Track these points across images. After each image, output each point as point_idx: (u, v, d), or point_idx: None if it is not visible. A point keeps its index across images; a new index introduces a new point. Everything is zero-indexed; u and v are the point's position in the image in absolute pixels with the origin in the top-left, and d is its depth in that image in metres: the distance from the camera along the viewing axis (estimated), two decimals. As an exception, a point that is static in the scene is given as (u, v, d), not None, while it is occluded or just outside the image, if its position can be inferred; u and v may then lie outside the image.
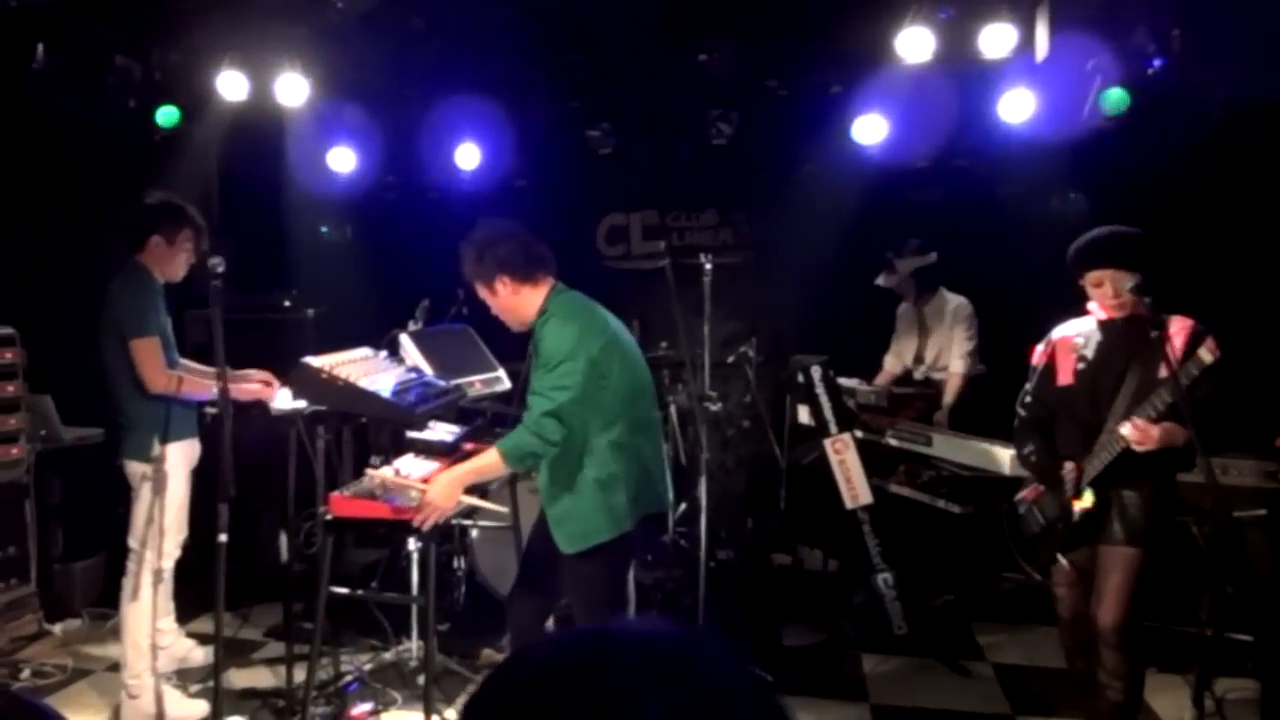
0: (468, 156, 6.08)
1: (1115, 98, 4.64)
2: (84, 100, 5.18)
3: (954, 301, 5.25)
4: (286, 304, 5.67)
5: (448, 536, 4.74)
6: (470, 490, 3.30)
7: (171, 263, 3.97)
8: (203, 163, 5.75)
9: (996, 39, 4.52)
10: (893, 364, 5.52)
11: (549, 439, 3.03)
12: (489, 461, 3.16)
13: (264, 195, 6.18)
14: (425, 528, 3.17)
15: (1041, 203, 5.45)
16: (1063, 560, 3.34)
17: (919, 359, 5.38)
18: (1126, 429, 3.07)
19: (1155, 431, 3.05)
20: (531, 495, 4.30)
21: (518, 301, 3.21)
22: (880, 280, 5.34)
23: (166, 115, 5.43)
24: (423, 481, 3.27)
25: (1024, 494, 3.50)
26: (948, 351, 5.24)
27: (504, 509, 3.39)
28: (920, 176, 5.82)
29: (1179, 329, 3.09)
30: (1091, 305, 3.29)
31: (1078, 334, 3.34)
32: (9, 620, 4.62)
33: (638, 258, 6.55)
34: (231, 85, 5.19)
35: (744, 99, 5.63)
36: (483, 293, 3.28)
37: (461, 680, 4.21)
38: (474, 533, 4.77)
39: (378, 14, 4.85)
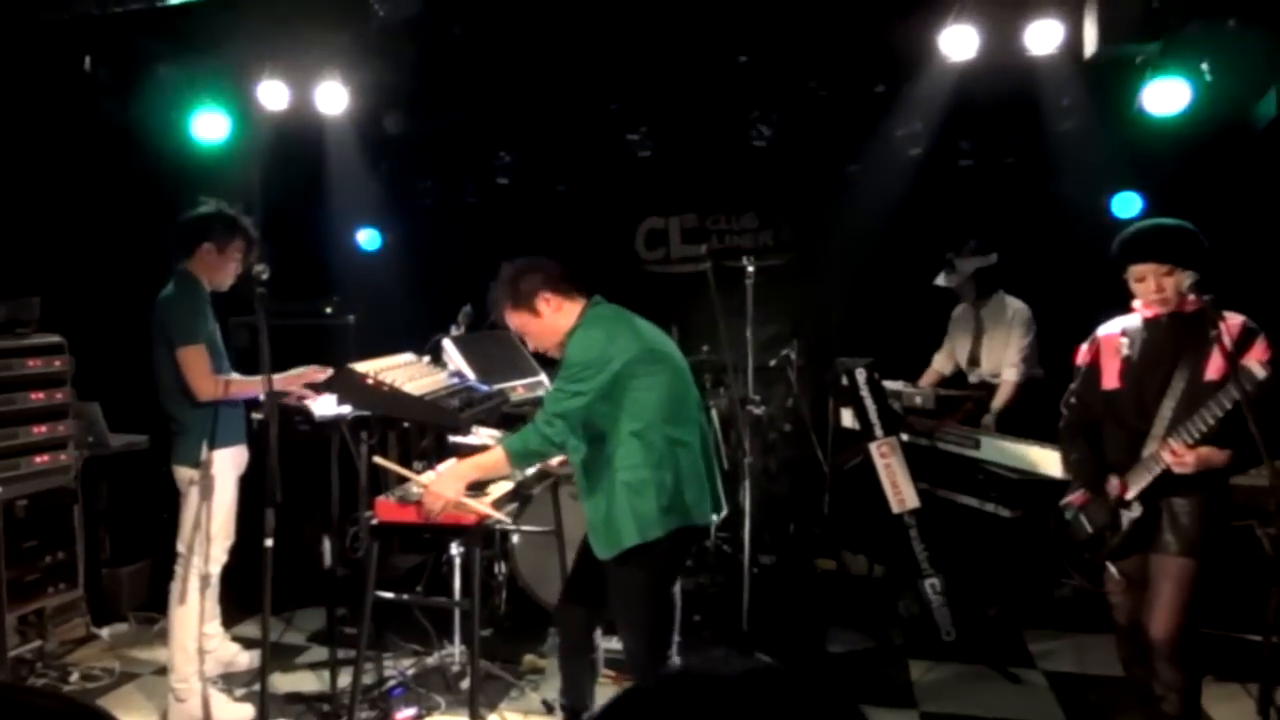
0: (505, 161, 6.10)
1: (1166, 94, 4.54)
2: (129, 110, 5.26)
3: (1013, 306, 5.13)
4: (328, 310, 5.71)
5: (490, 542, 4.73)
6: (477, 488, 3.34)
7: (220, 271, 4.00)
8: (245, 171, 5.80)
9: (1042, 35, 4.44)
10: (942, 363, 5.43)
11: (553, 440, 3.08)
12: (494, 458, 3.22)
13: (305, 203, 6.23)
14: (431, 519, 3.22)
15: (1092, 200, 5.34)
16: (1113, 569, 3.26)
17: (974, 361, 5.26)
18: (1164, 453, 3.01)
19: (1190, 458, 2.97)
20: (573, 501, 4.30)
21: (560, 319, 3.23)
22: (940, 280, 5.22)
23: (212, 129, 5.47)
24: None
25: (1071, 499, 3.42)
26: (1003, 356, 5.12)
27: (499, 514, 3.39)
28: (966, 176, 5.73)
29: (1229, 325, 2.99)
30: (1136, 302, 3.21)
31: (1122, 332, 3.25)
32: (58, 624, 4.67)
33: (677, 261, 6.52)
34: (272, 94, 5.23)
35: (784, 100, 5.58)
36: (522, 322, 3.28)
37: (504, 685, 4.20)
38: (515, 538, 4.76)
39: (418, 22, 4.87)
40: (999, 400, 5.05)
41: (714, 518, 3.34)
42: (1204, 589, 3.10)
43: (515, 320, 3.29)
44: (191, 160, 5.50)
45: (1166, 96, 4.52)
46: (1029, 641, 4.66)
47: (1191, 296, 3.02)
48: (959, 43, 4.50)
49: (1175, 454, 2.98)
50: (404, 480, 3.53)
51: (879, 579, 5.28)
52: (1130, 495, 3.15)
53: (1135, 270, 3.12)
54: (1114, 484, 3.20)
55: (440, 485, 3.21)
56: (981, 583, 4.83)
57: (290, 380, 4.01)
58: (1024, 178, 5.62)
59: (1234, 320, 3.01)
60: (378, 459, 3.58)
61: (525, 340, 3.41)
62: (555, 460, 3.74)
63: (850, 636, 4.76)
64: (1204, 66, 4.35)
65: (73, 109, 5.11)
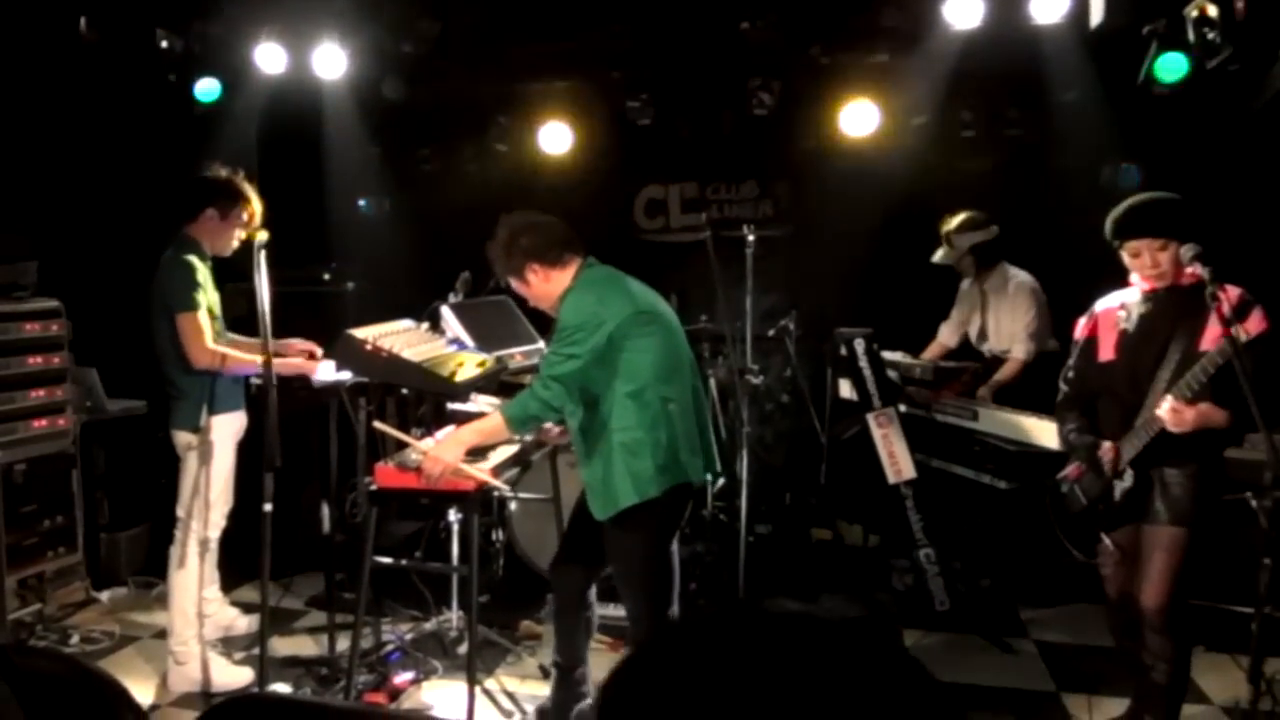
0: (504, 128, 6.06)
1: (1173, 64, 4.50)
2: (126, 73, 5.21)
3: (1016, 278, 4.97)
4: (326, 277, 5.69)
5: (488, 509, 4.75)
6: (476, 454, 3.37)
7: (222, 237, 3.98)
8: (242, 135, 5.76)
9: (1048, 5, 4.41)
10: (947, 336, 5.30)
11: (551, 404, 3.11)
12: (493, 424, 3.25)
13: (303, 168, 6.19)
14: (431, 484, 3.24)
15: (1094, 173, 5.30)
16: (1106, 540, 3.28)
17: (983, 335, 5.18)
18: (1161, 410, 3.00)
19: (1189, 414, 2.96)
20: (571, 469, 4.31)
21: (550, 287, 3.26)
22: (937, 257, 5.10)
23: (207, 91, 5.43)
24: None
25: (1066, 472, 3.44)
26: (1011, 330, 4.98)
27: (498, 481, 3.40)
28: (968, 147, 5.68)
29: (1228, 295, 2.96)
30: (1134, 276, 3.21)
31: (1121, 306, 3.25)
32: (57, 587, 4.70)
33: (676, 231, 6.48)
34: (270, 58, 5.18)
35: (786, 68, 5.53)
36: (516, 286, 3.35)
37: (501, 651, 4.24)
38: (513, 505, 4.78)
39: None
40: (1002, 375, 4.92)
41: (709, 478, 3.36)
42: (1195, 560, 3.12)
43: (511, 284, 3.36)
44: (189, 123, 5.46)
45: (1172, 68, 4.49)
46: (1022, 611, 4.70)
47: (1191, 269, 3.01)
48: (963, 11, 4.48)
49: (1174, 409, 2.98)
50: (403, 446, 3.54)
51: (874, 549, 5.31)
52: (1122, 463, 3.17)
53: (1129, 246, 3.12)
54: (1106, 448, 3.21)
55: (440, 451, 3.23)
56: (976, 553, 4.86)
57: (287, 366, 3.98)
58: (1026, 149, 5.57)
59: (1232, 291, 3.00)
60: (377, 424, 3.59)
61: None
62: (555, 430, 3.75)
63: (844, 605, 4.80)
64: (1211, 37, 4.31)
65: (68, 71, 5.06)
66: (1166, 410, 2.99)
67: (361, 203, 6.79)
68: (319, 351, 4.14)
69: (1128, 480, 3.18)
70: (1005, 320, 5.01)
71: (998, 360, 5.03)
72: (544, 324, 4.29)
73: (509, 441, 3.70)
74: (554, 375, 3.10)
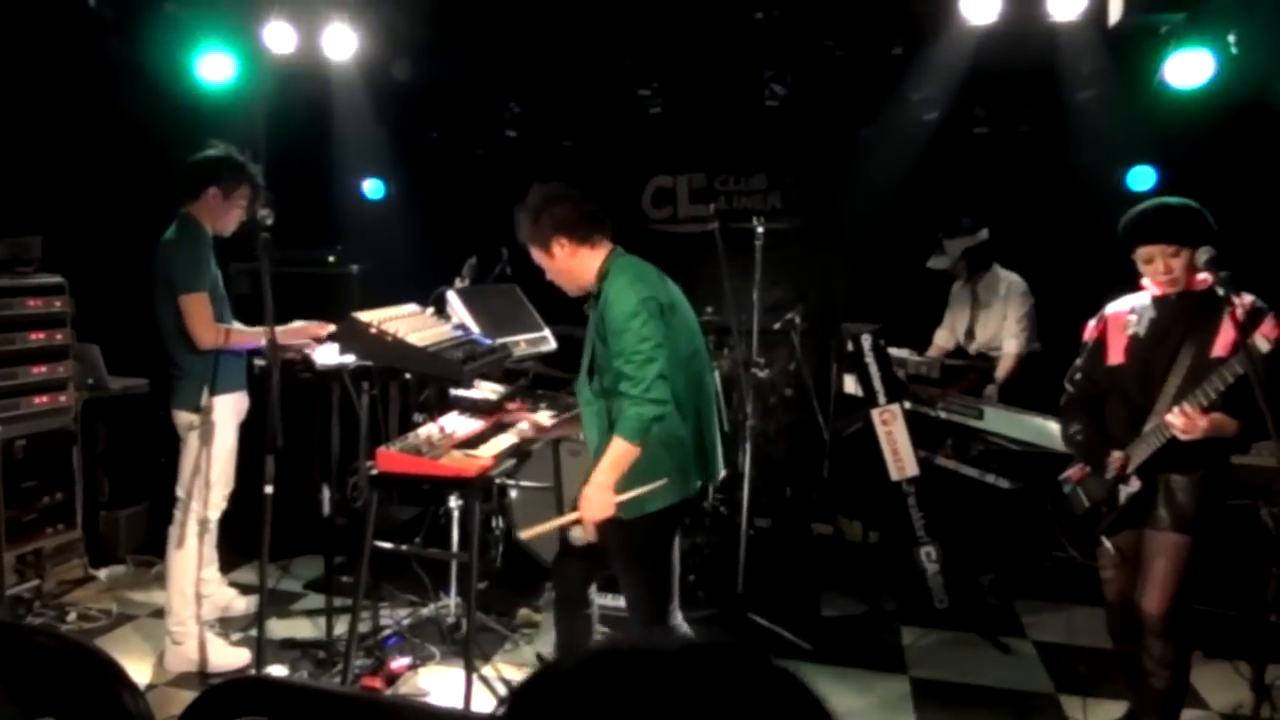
0: (514, 114, 6.02)
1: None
2: (133, 48, 5.17)
3: (1008, 279, 5.13)
4: (331, 259, 5.66)
5: (488, 496, 4.74)
6: (470, 444, 3.37)
7: (224, 216, 3.96)
8: (249, 114, 5.72)
9: (1066, 1, 4.36)
10: (944, 339, 5.42)
11: (661, 399, 2.91)
12: (619, 452, 2.96)
13: (310, 149, 6.16)
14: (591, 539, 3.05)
15: (1107, 173, 5.27)
16: (1107, 543, 3.26)
17: (970, 335, 5.26)
18: (1173, 417, 2.98)
19: (1203, 422, 2.93)
20: (572, 458, 4.29)
21: (575, 264, 3.12)
22: (931, 263, 5.26)
23: (215, 67, 5.38)
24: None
25: (1069, 473, 3.43)
26: (1000, 329, 5.12)
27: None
28: (980, 143, 5.64)
29: (1240, 302, 2.94)
30: (1146, 280, 3.18)
31: (1131, 310, 3.23)
32: (56, 564, 4.69)
33: (684, 221, 6.45)
34: (278, 37, 5.14)
35: (799, 59, 5.48)
36: (538, 257, 3.18)
37: (498, 637, 4.23)
38: (512, 493, 4.76)
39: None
40: (1001, 371, 5.04)
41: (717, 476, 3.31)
42: (1198, 565, 3.11)
43: (532, 252, 3.19)
44: (196, 101, 5.42)
45: (1190, 68, 4.45)
46: (1020, 611, 4.70)
47: (1203, 275, 2.98)
48: (980, 6, 4.43)
49: (1186, 417, 2.95)
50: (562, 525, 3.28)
51: (873, 545, 5.30)
52: (1130, 469, 3.15)
53: (1142, 252, 3.10)
54: (1115, 458, 3.19)
55: (594, 508, 3.01)
56: (977, 552, 4.85)
57: (292, 333, 3.98)
58: (1039, 147, 5.53)
59: (1245, 298, 2.99)
60: (523, 534, 3.43)
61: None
62: (547, 423, 3.74)
63: (843, 601, 4.80)
64: (1230, 39, 4.27)
65: (76, 46, 5.02)
66: (1178, 417, 2.97)
67: (368, 185, 6.69)
68: (327, 330, 4.09)
69: (1134, 485, 3.16)
70: (994, 319, 5.15)
71: (987, 359, 5.09)
72: (551, 311, 4.27)
73: (505, 431, 3.68)
74: (648, 375, 2.88)
